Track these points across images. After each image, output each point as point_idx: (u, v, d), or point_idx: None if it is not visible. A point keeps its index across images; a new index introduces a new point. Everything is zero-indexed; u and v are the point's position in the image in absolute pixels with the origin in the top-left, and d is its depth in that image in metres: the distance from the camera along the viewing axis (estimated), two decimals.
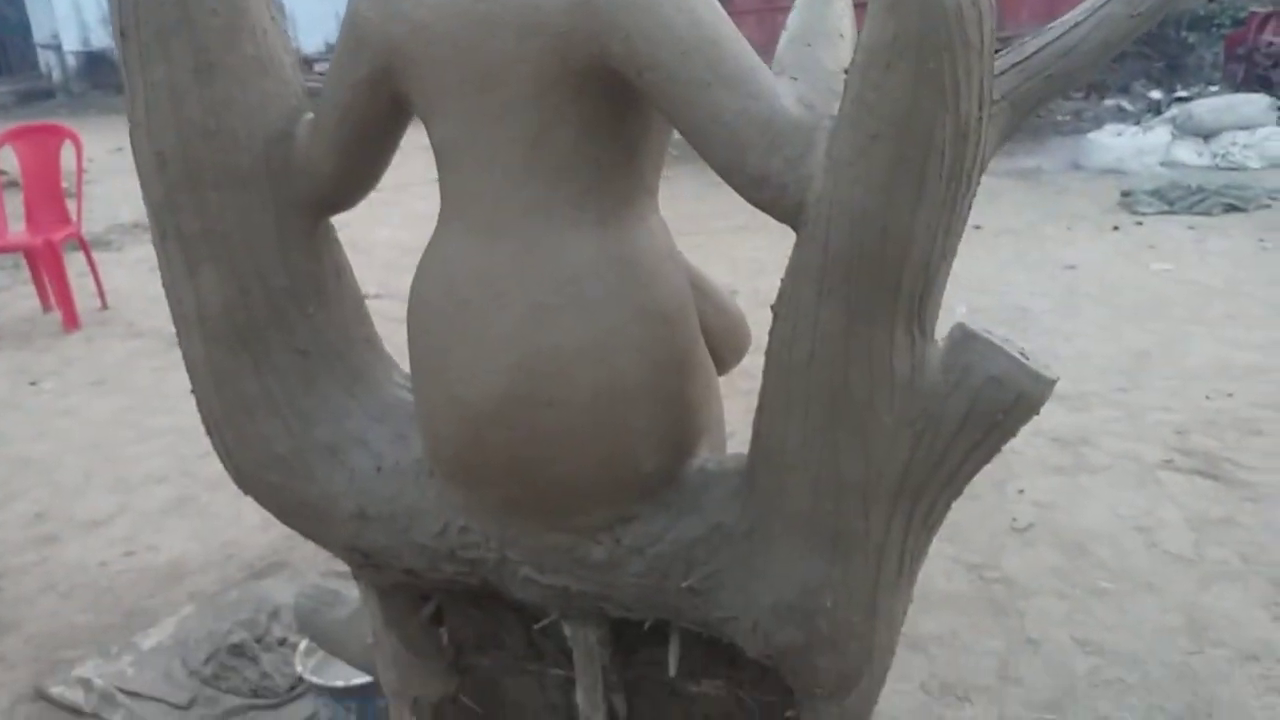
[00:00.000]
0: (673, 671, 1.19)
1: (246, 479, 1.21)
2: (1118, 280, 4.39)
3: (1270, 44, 7.71)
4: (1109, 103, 8.32)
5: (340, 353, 1.19)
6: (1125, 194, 5.81)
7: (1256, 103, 6.75)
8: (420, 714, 1.34)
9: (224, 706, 1.88)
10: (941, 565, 2.27)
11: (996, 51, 0.82)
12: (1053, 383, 0.89)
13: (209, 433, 1.20)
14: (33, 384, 3.75)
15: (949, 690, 1.91)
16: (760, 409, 0.98)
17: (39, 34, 14.67)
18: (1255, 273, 4.39)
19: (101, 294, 4.54)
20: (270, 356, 1.14)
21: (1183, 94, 7.74)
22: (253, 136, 1.07)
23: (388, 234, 5.07)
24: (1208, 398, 3.15)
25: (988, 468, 0.95)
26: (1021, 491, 2.63)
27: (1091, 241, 5.06)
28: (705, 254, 1.33)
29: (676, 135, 0.99)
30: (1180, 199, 5.60)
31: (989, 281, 4.37)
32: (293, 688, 1.90)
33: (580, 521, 1.07)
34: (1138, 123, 7.23)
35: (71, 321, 4.30)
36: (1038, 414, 0.90)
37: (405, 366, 1.15)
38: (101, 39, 13.72)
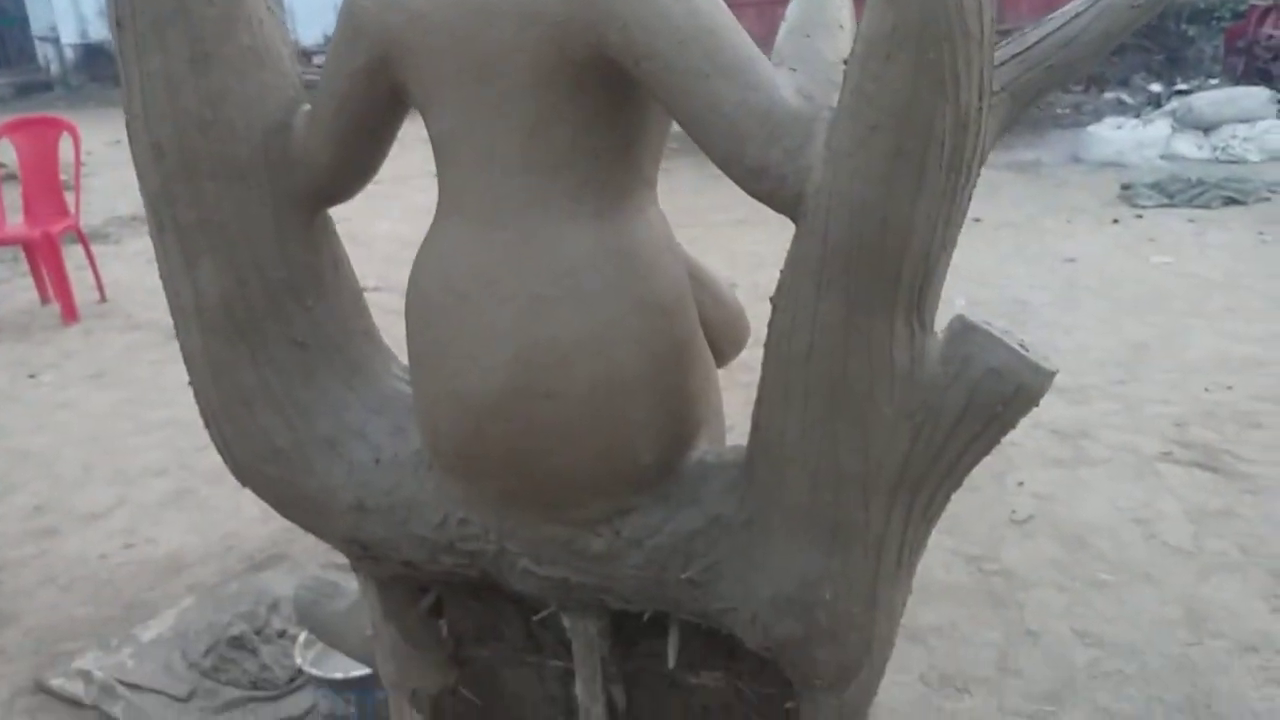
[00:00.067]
0: (672, 663, 1.19)
1: (245, 471, 1.21)
2: (1117, 273, 4.39)
3: (1270, 37, 7.69)
4: (1109, 96, 8.31)
5: (338, 345, 1.18)
6: (1125, 187, 5.80)
7: (1256, 96, 6.74)
8: (419, 706, 1.34)
9: (224, 698, 1.88)
10: (941, 557, 2.27)
11: (996, 43, 0.82)
12: (1052, 375, 0.89)
13: (207, 425, 1.20)
14: (31, 377, 3.75)
15: (948, 682, 1.91)
16: (759, 401, 0.97)
17: (37, 26, 14.63)
18: (1255, 266, 4.38)
19: (100, 286, 4.53)
20: (268, 348, 1.14)
21: (1183, 87, 7.73)
22: (250, 127, 1.07)
23: (387, 227, 5.06)
24: (1207, 390, 3.15)
25: (987, 460, 0.95)
26: (1021, 484, 2.63)
27: (1091, 234, 5.05)
28: (704, 247, 1.34)
29: (676, 128, 0.99)
30: (1180, 192, 5.59)
31: (988, 274, 4.36)
32: (292, 680, 1.90)
33: (579, 513, 1.07)
34: (1138, 116, 7.22)
35: (70, 314, 4.29)
36: (1037, 406, 0.90)
37: (405, 359, 1.15)
38: (99, 31, 13.68)
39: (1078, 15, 0.91)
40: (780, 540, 1.00)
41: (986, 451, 0.93)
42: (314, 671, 1.75)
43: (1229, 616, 2.07)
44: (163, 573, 2.37)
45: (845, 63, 0.83)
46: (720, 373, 1.20)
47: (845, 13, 1.08)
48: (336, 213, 1.18)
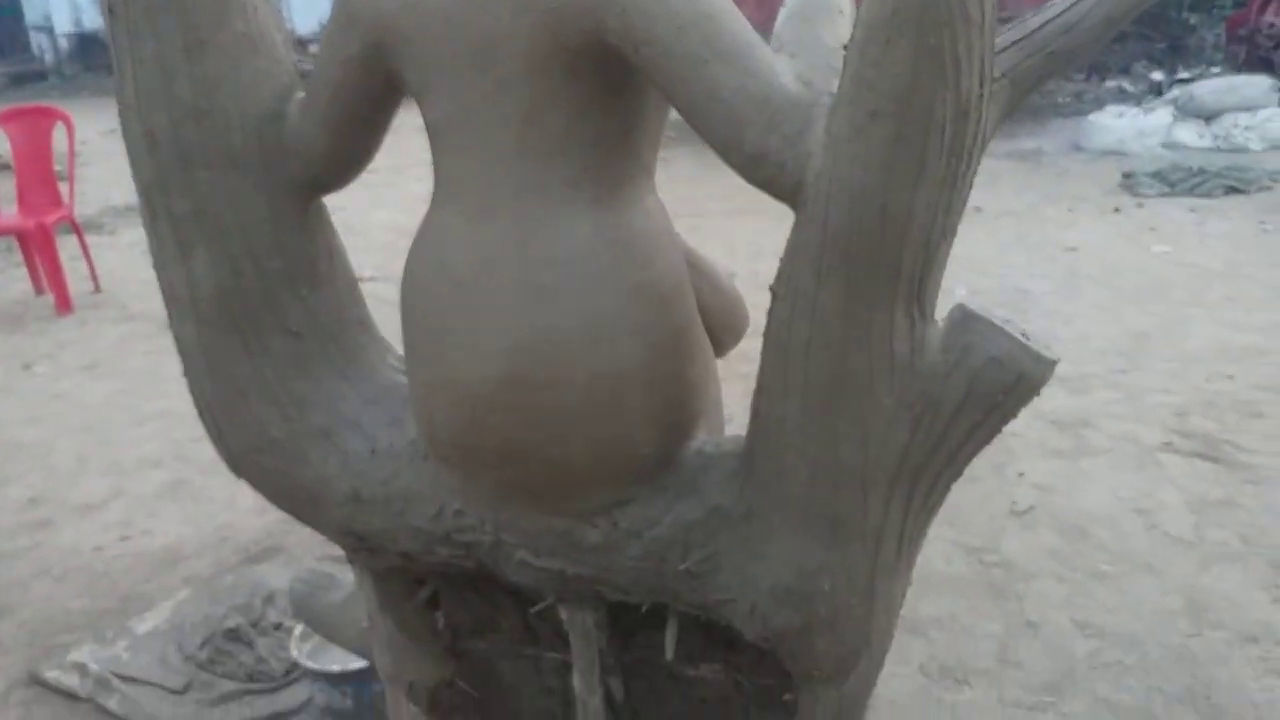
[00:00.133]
0: (670, 655, 1.18)
1: (240, 462, 1.20)
2: (1118, 262, 4.38)
3: (1272, 25, 7.68)
4: (1110, 84, 8.29)
5: (333, 335, 1.18)
6: (1126, 176, 5.79)
7: (1258, 84, 6.73)
8: (416, 698, 1.34)
9: (219, 691, 1.87)
10: (941, 548, 2.27)
11: (997, 28, 0.81)
12: (1053, 363, 0.88)
13: (201, 416, 1.19)
14: (26, 368, 3.74)
15: (948, 673, 1.91)
16: (758, 390, 0.97)
17: (31, 16, 14.57)
18: (1255, 255, 4.38)
19: (94, 277, 4.52)
20: (263, 339, 1.13)
21: (1184, 75, 7.72)
22: (245, 115, 1.06)
23: (384, 216, 5.05)
24: (1208, 380, 3.15)
25: (987, 450, 0.94)
26: (1021, 474, 2.63)
27: (1092, 223, 5.04)
28: (703, 236, 1.33)
29: (674, 115, 0.98)
30: (1181, 181, 5.58)
31: (989, 263, 4.36)
32: (288, 672, 1.90)
33: (577, 504, 1.06)
34: (1139, 104, 7.20)
35: (64, 305, 4.28)
36: (1038, 395, 0.89)
37: (402, 349, 1.14)
38: (94, 20, 13.62)
39: (1079, 1, 0.90)
40: (779, 531, 1.00)
41: (987, 441, 0.92)
42: (310, 664, 1.75)
43: (1229, 607, 2.07)
44: (158, 565, 2.36)
45: (845, 48, 0.81)
46: (719, 363, 1.20)
47: None
48: (333, 202, 1.17)
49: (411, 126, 1.32)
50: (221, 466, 1.23)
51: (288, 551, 2.35)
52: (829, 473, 0.93)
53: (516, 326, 0.96)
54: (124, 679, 1.90)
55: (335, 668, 1.71)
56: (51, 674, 1.94)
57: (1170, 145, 6.51)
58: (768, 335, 0.93)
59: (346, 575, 1.41)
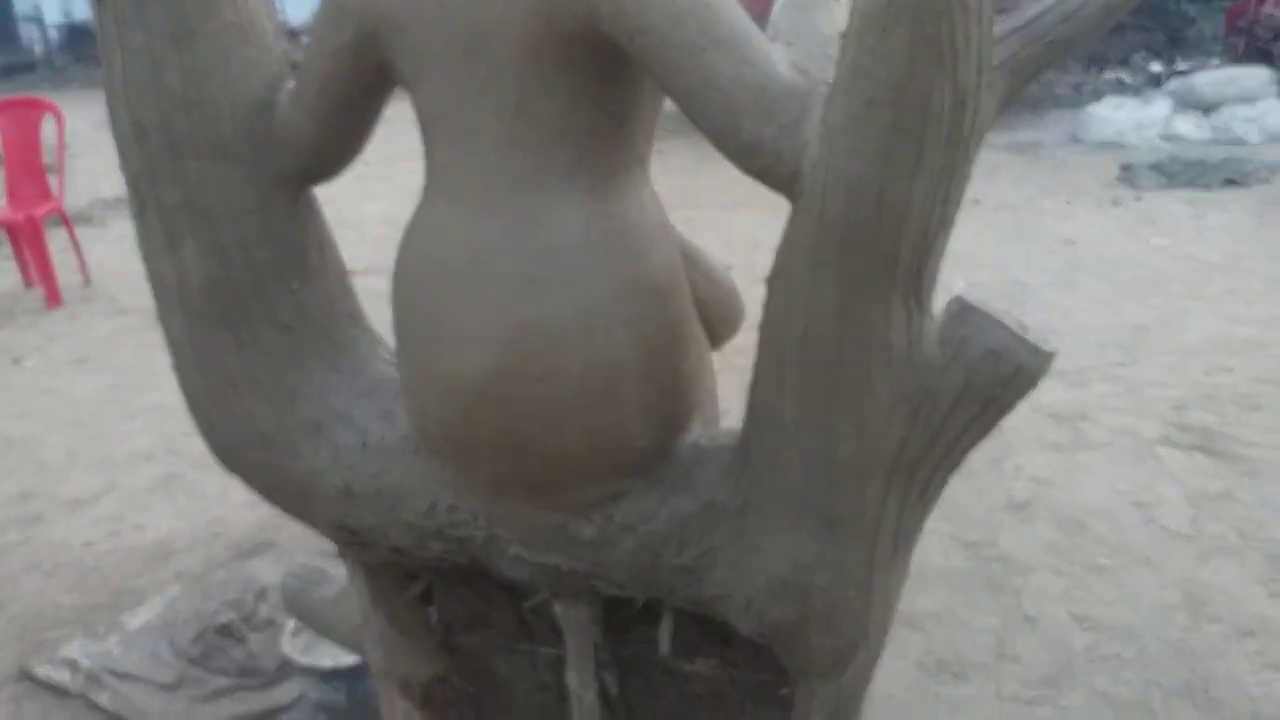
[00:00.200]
0: (665, 650, 1.18)
1: (230, 457, 1.20)
2: (1117, 255, 4.38)
3: (1271, 16, 7.67)
4: (1109, 76, 8.28)
5: (324, 328, 1.17)
6: (1125, 168, 5.79)
7: (1257, 76, 6.73)
8: (409, 694, 1.33)
9: (211, 687, 1.87)
10: (938, 542, 2.27)
11: (995, 17, 0.80)
12: (1051, 356, 0.87)
13: (191, 410, 1.18)
14: (15, 362, 3.73)
15: (945, 667, 1.91)
16: (754, 383, 0.96)
17: (20, 6, 14.52)
18: (1254, 248, 4.37)
19: (84, 270, 4.51)
20: (253, 332, 1.12)
21: (1183, 67, 7.71)
22: (234, 105, 1.05)
23: (377, 208, 5.04)
24: (1206, 373, 3.14)
25: (985, 444, 0.94)
26: (1019, 468, 2.62)
27: (1090, 216, 5.04)
28: (699, 229, 1.32)
29: (671, 107, 0.97)
30: (1180, 173, 5.58)
31: (987, 256, 4.35)
32: (280, 668, 1.89)
33: (571, 499, 1.05)
34: (1138, 96, 7.19)
35: (54, 298, 4.27)
36: (1036, 388, 0.89)
37: (392, 342, 1.13)
38: (84, 11, 13.57)
39: None
40: (775, 525, 0.99)
41: (984, 434, 0.92)
42: (302, 660, 1.74)
43: (1227, 601, 2.06)
44: (149, 560, 2.35)
45: (842, 36, 0.80)
46: (715, 356, 1.19)
47: None
48: (324, 194, 1.16)
49: (404, 118, 1.31)
50: (213, 461, 1.23)
51: (280, 547, 2.35)
52: (825, 466, 0.93)
53: (509, 318, 0.95)
54: (115, 674, 1.90)
55: (327, 663, 1.70)
56: (42, 669, 1.93)
57: (1169, 137, 6.51)
58: (763, 328, 0.92)
59: (339, 570, 1.40)
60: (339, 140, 1.08)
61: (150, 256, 1.11)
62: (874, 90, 0.76)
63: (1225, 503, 2.43)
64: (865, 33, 0.76)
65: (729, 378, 1.26)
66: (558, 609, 1.18)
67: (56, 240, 4.47)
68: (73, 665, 1.92)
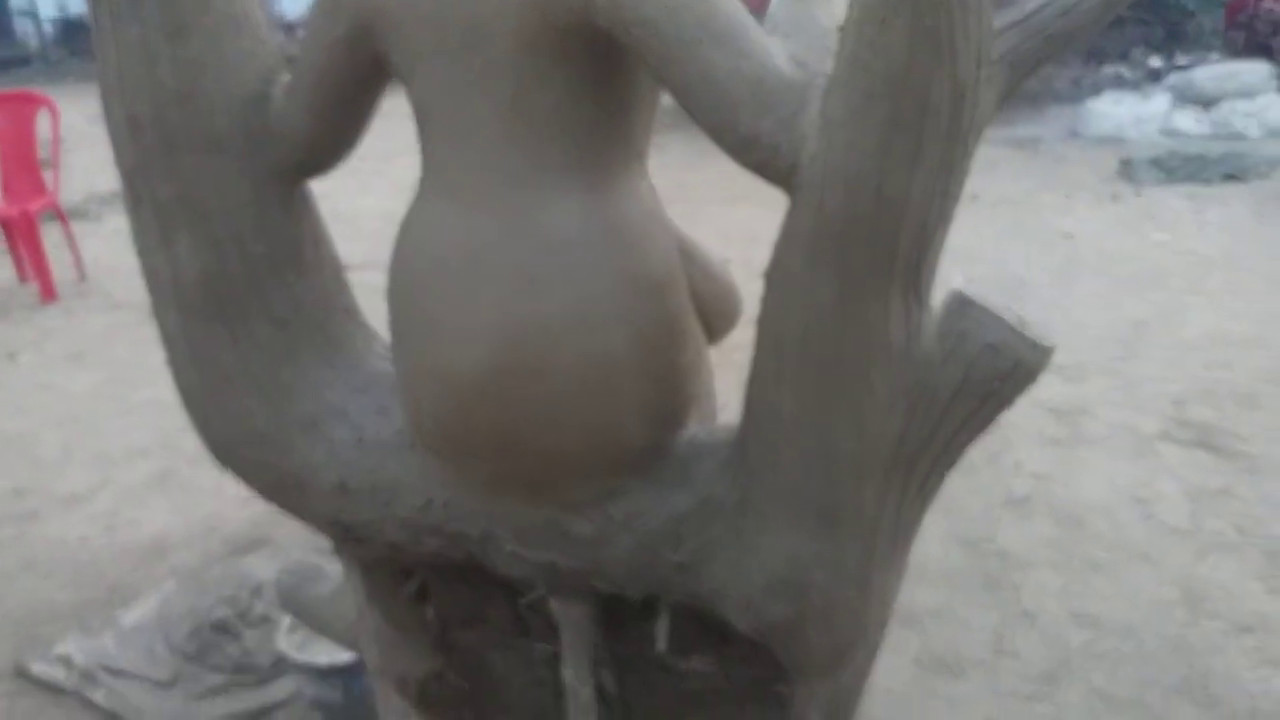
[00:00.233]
0: (662, 647, 1.17)
1: (225, 453, 1.19)
2: (1116, 250, 4.37)
3: (1271, 11, 7.65)
4: (1108, 70, 8.26)
5: (319, 323, 1.16)
6: (1124, 163, 5.78)
7: (1257, 70, 6.71)
8: (405, 691, 1.33)
9: (207, 684, 1.87)
10: (936, 538, 2.26)
11: (994, 10, 0.79)
12: (1050, 351, 0.87)
13: (186, 406, 1.18)
14: (10, 357, 3.72)
15: (943, 664, 1.90)
16: (751, 379, 0.95)
17: (15, 0, 14.44)
18: (1254, 243, 4.37)
19: (79, 265, 4.49)
20: (248, 327, 1.11)
21: (1183, 62, 7.69)
22: (228, 98, 1.05)
23: (373, 203, 5.02)
24: (1206, 369, 3.14)
25: (984, 440, 0.93)
26: (1018, 463, 2.62)
27: (1090, 211, 5.03)
28: (697, 223, 1.31)
29: (669, 101, 0.96)
30: (1179, 168, 5.57)
31: (986, 251, 4.34)
32: (276, 665, 1.88)
33: (567, 495, 1.05)
34: (1137, 90, 7.18)
35: (49, 293, 4.25)
36: (1035, 383, 0.88)
37: (388, 337, 1.13)
38: (79, 5, 13.49)
39: None
40: (772, 522, 0.99)
41: (983, 429, 0.91)
42: (298, 657, 1.73)
43: (1225, 597, 2.06)
44: (145, 556, 2.35)
45: (840, 29, 0.80)
46: (713, 351, 1.19)
47: None
48: (320, 189, 1.16)
49: (400, 112, 1.30)
50: (208, 457, 1.22)
51: (275, 543, 2.34)
52: (823, 462, 0.92)
53: (505, 314, 0.94)
54: (110, 671, 1.89)
55: (323, 660, 1.70)
56: (37, 666, 1.93)
57: (1168, 132, 6.50)
58: (761, 323, 0.92)
59: (334, 567, 1.40)
60: (334, 134, 1.07)
61: (145, 251, 1.11)
62: (872, 83, 0.76)
63: (1224, 499, 2.42)
64: (864, 25, 0.75)
65: (727, 373, 1.25)
66: (554, 606, 1.17)
67: (51, 235, 4.46)
68: (67, 662, 1.91)
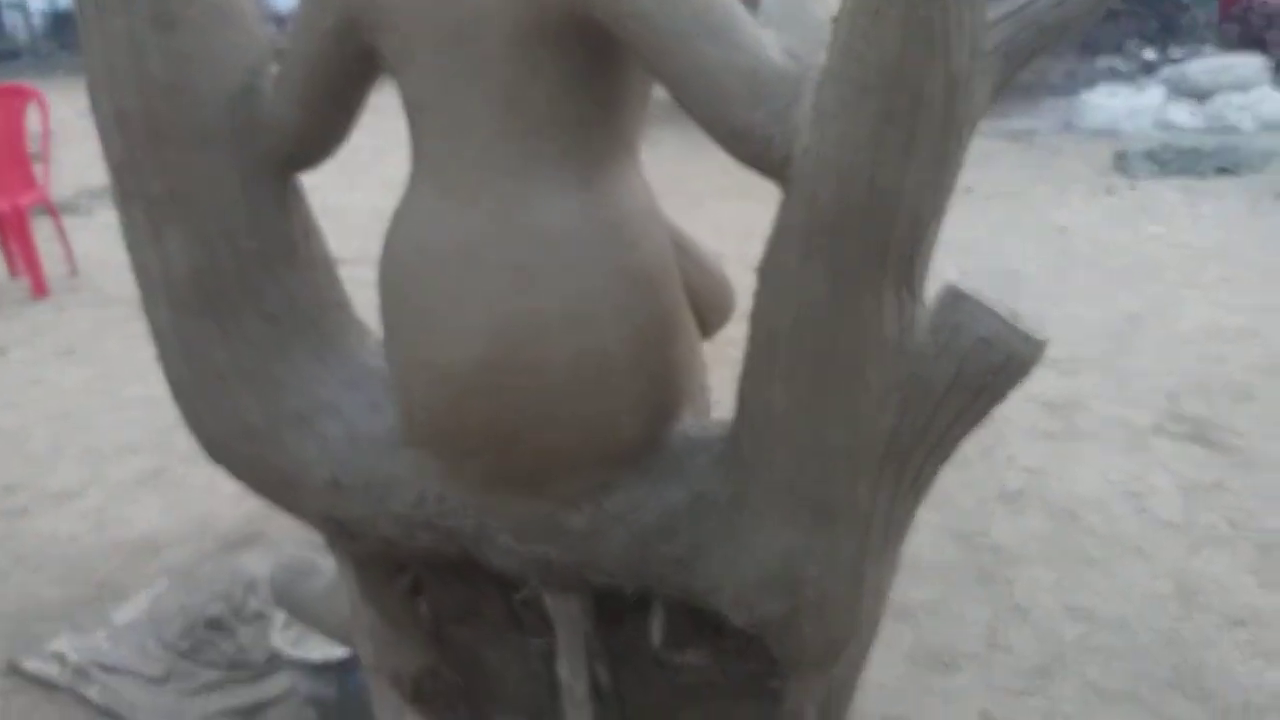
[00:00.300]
0: (656, 641, 1.17)
1: (217, 449, 1.19)
2: (1110, 243, 4.38)
3: (1265, 3, 7.66)
4: (1103, 63, 8.26)
5: (311, 318, 1.16)
6: (1118, 156, 5.79)
7: (1251, 63, 6.72)
8: (399, 686, 1.33)
9: (200, 680, 1.86)
10: (929, 533, 2.26)
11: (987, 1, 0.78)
12: (1043, 344, 0.87)
13: (177, 402, 1.17)
14: (0, 353, 3.69)
15: (937, 659, 1.90)
16: (745, 373, 0.95)
17: None
18: (1247, 236, 4.37)
19: (70, 260, 4.46)
20: (239, 322, 1.11)
21: (1177, 54, 7.70)
22: (216, 91, 1.04)
23: (365, 198, 4.99)
24: (1199, 362, 3.14)
25: (977, 434, 0.93)
26: (1011, 458, 2.62)
27: (1084, 204, 5.04)
28: (690, 217, 1.30)
29: (662, 95, 0.95)
30: (1173, 161, 5.57)
31: (980, 245, 4.34)
32: (270, 661, 1.88)
33: (561, 489, 1.04)
34: (1132, 83, 7.18)
35: (39, 289, 4.23)
36: (1028, 376, 0.88)
37: (380, 333, 1.12)
38: None
39: None
40: (766, 516, 0.98)
41: (976, 423, 0.91)
42: (292, 653, 1.72)
43: (1218, 590, 2.07)
44: (137, 553, 2.34)
45: (834, 21, 0.79)
46: (707, 346, 1.18)
47: None
48: (311, 183, 1.15)
49: (391, 107, 1.30)
50: (201, 453, 1.21)
51: (269, 539, 2.33)
52: (816, 456, 0.92)
53: (497, 308, 0.94)
54: (104, 668, 1.89)
55: (317, 656, 1.69)
56: (30, 664, 1.92)
57: (1163, 125, 6.50)
58: (754, 317, 0.91)
59: (328, 563, 1.40)
60: (324, 127, 1.07)
61: (134, 246, 1.10)
62: (866, 75, 0.75)
63: (1217, 492, 2.43)
64: (857, 16, 0.75)
65: (721, 368, 1.25)
66: (548, 600, 1.17)
67: (42, 230, 4.43)
68: (61, 659, 1.91)
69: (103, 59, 1.02)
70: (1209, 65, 6.83)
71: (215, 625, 1.98)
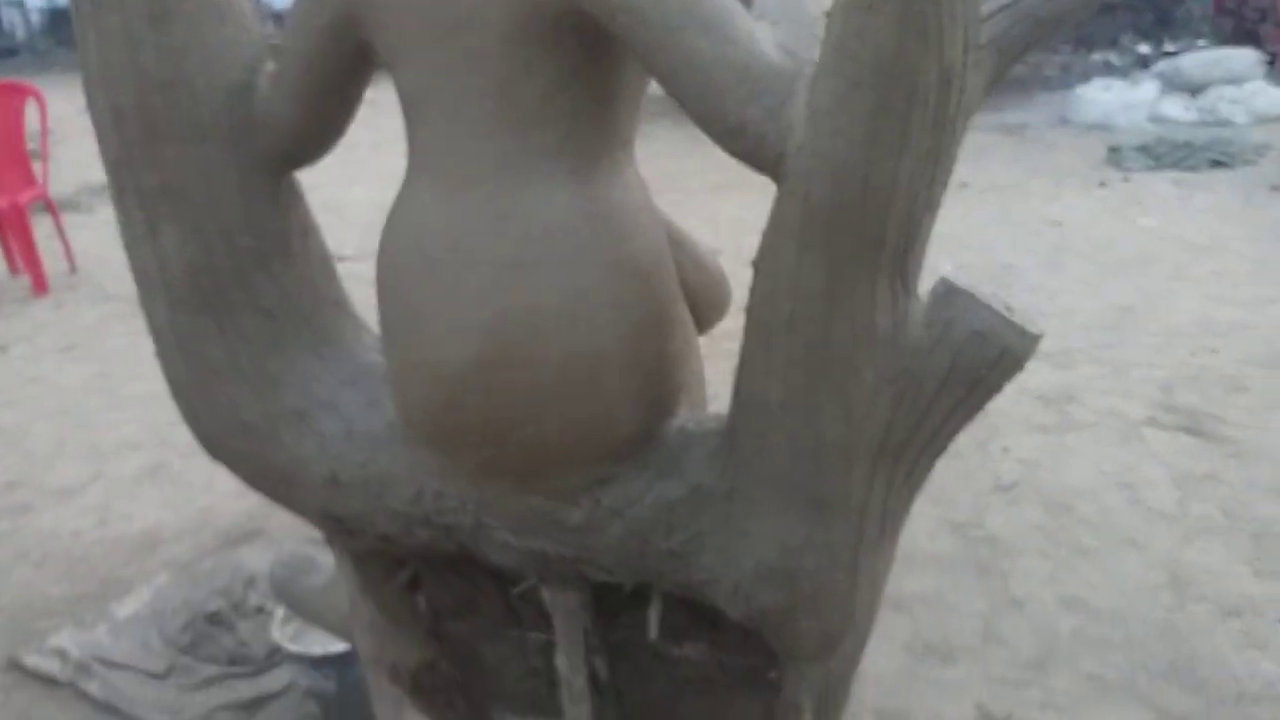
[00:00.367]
0: (654, 634, 1.18)
1: (215, 445, 1.19)
2: (1104, 237, 4.38)
3: None
4: (1096, 57, 8.26)
5: (308, 315, 1.15)
6: (1112, 149, 5.79)
7: (1244, 57, 6.73)
8: (398, 681, 1.33)
9: (201, 675, 1.86)
10: (925, 525, 2.27)
11: None
12: (1037, 337, 0.87)
13: (175, 398, 1.17)
14: (1, 350, 3.69)
15: (933, 650, 1.91)
16: (740, 367, 0.95)
17: None
18: (1240, 229, 4.38)
19: (70, 257, 4.45)
20: (236, 319, 1.11)
21: (1171, 48, 7.70)
22: (212, 87, 1.03)
23: (363, 194, 4.99)
24: (1192, 354, 3.15)
25: (972, 426, 0.93)
26: (1006, 450, 2.63)
27: (1078, 198, 5.04)
28: (685, 212, 1.31)
29: (657, 89, 0.96)
30: (1167, 154, 5.58)
31: (974, 238, 4.35)
32: (270, 656, 1.88)
33: (558, 484, 1.04)
34: (1125, 77, 7.19)
35: (40, 286, 4.22)
36: (1022, 369, 0.88)
37: (378, 329, 1.12)
38: None
39: None
40: (762, 509, 0.99)
41: (970, 417, 0.91)
42: (292, 648, 1.73)
43: (1212, 581, 2.08)
44: (138, 549, 2.34)
45: (827, 15, 0.79)
46: (703, 341, 1.18)
47: None
48: (310, 180, 1.15)
49: (388, 103, 1.30)
50: (201, 449, 1.21)
51: (268, 535, 2.33)
52: (812, 449, 0.92)
53: (493, 303, 0.94)
54: (105, 664, 1.89)
55: (317, 651, 1.70)
56: (31, 659, 1.92)
57: (1156, 119, 6.51)
58: (749, 311, 0.91)
59: (327, 558, 1.40)
60: (320, 123, 1.07)
61: (131, 243, 1.10)
62: (859, 71, 0.75)
63: (1211, 483, 2.44)
64: (851, 11, 0.75)
65: (717, 363, 1.25)
66: (546, 595, 1.17)
67: (42, 227, 4.42)
68: (62, 655, 1.91)
69: (98, 55, 1.01)
70: (1202, 59, 6.84)
71: (216, 620, 1.99)
